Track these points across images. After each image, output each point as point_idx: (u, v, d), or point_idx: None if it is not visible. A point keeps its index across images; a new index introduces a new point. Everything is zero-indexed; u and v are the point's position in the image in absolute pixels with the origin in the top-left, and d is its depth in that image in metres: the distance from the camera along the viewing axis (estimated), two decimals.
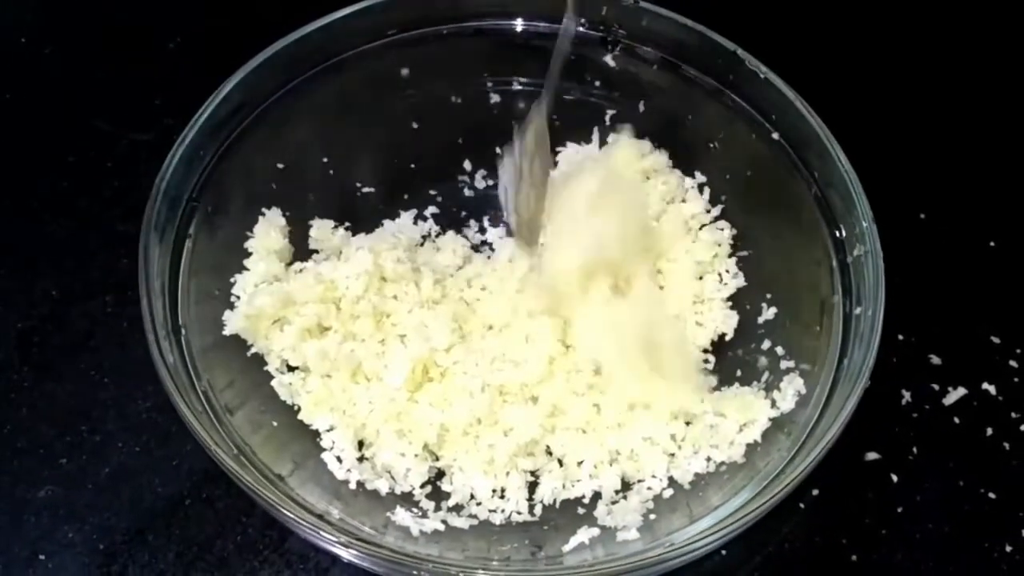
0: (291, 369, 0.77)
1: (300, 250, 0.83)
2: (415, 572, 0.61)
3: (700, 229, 0.85)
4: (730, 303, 0.82)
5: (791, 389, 0.74)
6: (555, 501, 0.73)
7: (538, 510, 0.73)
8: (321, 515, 0.64)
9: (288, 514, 0.61)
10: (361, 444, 0.75)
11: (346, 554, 0.62)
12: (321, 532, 0.61)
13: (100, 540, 0.73)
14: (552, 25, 0.86)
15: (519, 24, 0.87)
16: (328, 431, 0.74)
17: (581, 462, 0.74)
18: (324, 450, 0.73)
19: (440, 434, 0.74)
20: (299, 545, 0.73)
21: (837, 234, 0.76)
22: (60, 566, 0.72)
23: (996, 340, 0.85)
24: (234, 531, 0.74)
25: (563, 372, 0.77)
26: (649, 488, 0.73)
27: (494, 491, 0.73)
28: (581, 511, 0.72)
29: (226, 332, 0.75)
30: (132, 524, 0.74)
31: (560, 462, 0.75)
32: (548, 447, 0.75)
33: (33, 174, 0.92)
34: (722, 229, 0.85)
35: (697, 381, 0.77)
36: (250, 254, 0.80)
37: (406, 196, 0.88)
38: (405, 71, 0.87)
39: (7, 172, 0.92)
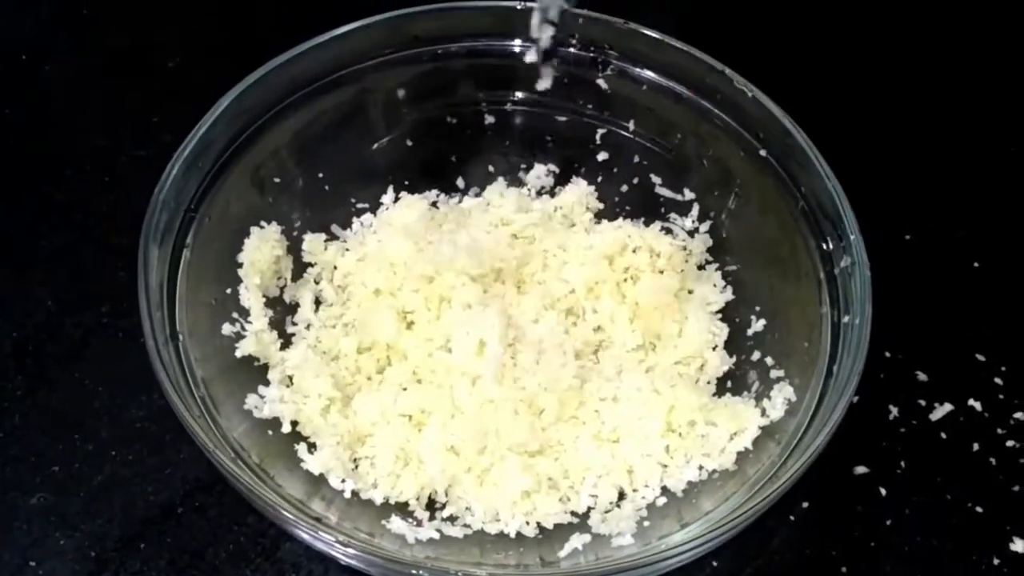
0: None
1: (296, 263, 0.84)
2: (413, 571, 0.61)
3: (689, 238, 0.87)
4: (720, 316, 0.84)
5: (781, 398, 0.75)
6: (549, 521, 0.73)
7: (533, 523, 0.73)
8: (319, 518, 0.64)
9: (286, 514, 0.61)
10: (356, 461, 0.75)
11: (344, 556, 0.62)
12: (320, 532, 0.61)
13: (92, 547, 0.73)
14: None
15: (513, 45, 0.88)
16: (325, 442, 0.74)
17: (579, 480, 0.75)
18: (320, 459, 0.72)
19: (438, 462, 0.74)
20: (291, 554, 0.73)
21: (824, 247, 0.77)
22: (51, 573, 0.71)
23: (981, 358, 0.87)
24: (226, 539, 0.73)
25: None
26: (643, 497, 0.73)
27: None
28: (575, 520, 0.73)
29: (238, 354, 0.76)
30: (124, 532, 0.73)
31: (555, 482, 0.75)
32: (549, 477, 0.75)
33: (30, 187, 0.93)
34: (711, 244, 0.87)
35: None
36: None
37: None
38: (401, 90, 0.89)
39: (5, 185, 0.93)
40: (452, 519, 0.72)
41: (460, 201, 0.91)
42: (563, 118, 0.90)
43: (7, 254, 0.88)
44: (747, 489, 0.68)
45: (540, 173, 0.92)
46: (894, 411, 0.83)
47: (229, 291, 0.79)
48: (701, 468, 0.74)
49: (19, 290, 0.86)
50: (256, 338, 0.77)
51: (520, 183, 0.92)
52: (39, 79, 1.02)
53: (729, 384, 0.80)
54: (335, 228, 0.87)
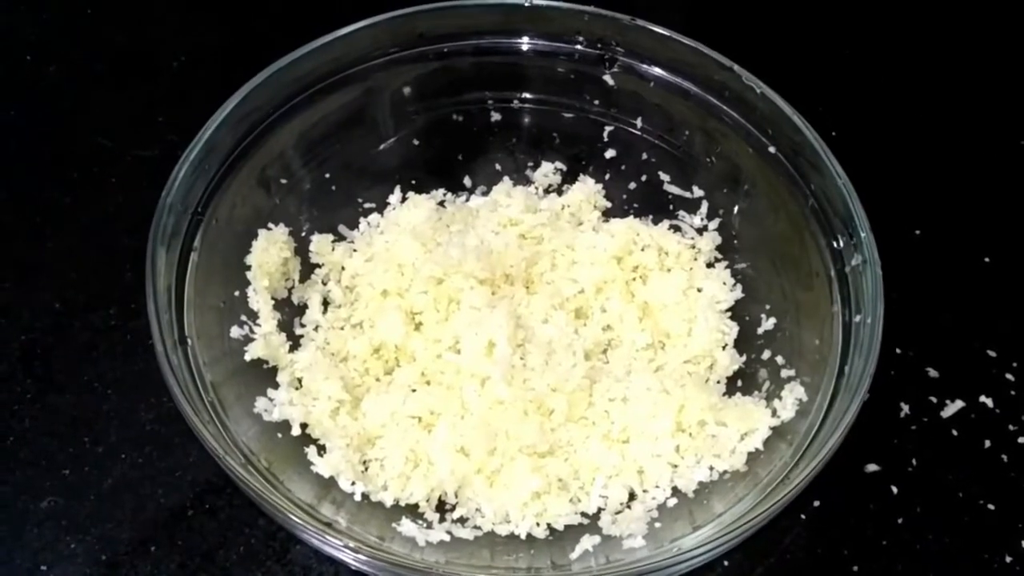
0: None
1: (304, 264, 0.84)
2: None
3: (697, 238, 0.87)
4: (729, 314, 0.83)
5: (792, 398, 0.74)
6: (560, 522, 0.73)
7: (544, 524, 0.72)
8: (330, 523, 0.64)
9: (296, 519, 0.61)
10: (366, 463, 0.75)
11: (353, 560, 0.62)
12: (327, 537, 0.61)
13: (103, 551, 0.73)
14: (551, 44, 0.88)
15: (519, 43, 0.88)
16: (334, 444, 0.74)
17: (589, 480, 0.74)
18: (330, 462, 0.72)
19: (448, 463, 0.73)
20: (302, 556, 0.73)
21: (835, 245, 0.76)
22: None
23: (992, 354, 0.86)
24: (237, 542, 0.74)
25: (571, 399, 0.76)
26: (653, 498, 0.73)
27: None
28: (586, 521, 0.72)
29: (247, 357, 0.76)
30: (135, 535, 0.73)
31: (566, 483, 0.75)
32: (559, 478, 0.75)
33: (37, 189, 0.93)
34: (720, 242, 0.86)
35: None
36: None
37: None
38: (407, 89, 0.88)
39: (11, 187, 0.93)
40: (462, 521, 0.72)
41: (467, 200, 0.91)
42: (570, 115, 0.90)
43: (14, 257, 0.88)
44: (759, 491, 0.67)
45: (547, 171, 0.92)
46: (905, 408, 0.83)
47: (237, 294, 0.79)
48: (711, 469, 0.74)
49: (26, 293, 0.86)
50: (265, 341, 0.77)
51: (527, 181, 0.92)
52: (43, 80, 1.02)
53: (739, 383, 0.80)
54: (342, 228, 0.87)
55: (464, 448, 0.73)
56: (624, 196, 0.90)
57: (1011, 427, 0.82)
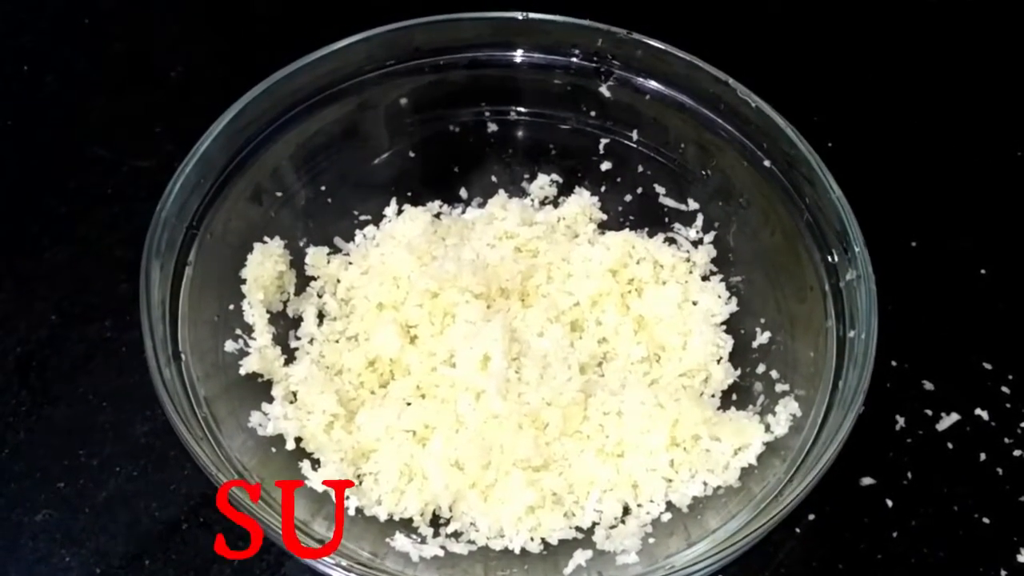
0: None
1: (300, 277, 0.84)
2: None
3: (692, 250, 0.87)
4: (724, 327, 0.83)
5: (786, 413, 0.74)
6: (554, 537, 0.73)
7: (538, 539, 0.72)
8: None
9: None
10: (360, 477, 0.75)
11: None
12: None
13: (97, 564, 0.73)
14: (547, 56, 0.88)
15: (515, 55, 0.88)
16: (329, 459, 0.74)
17: (584, 494, 0.74)
18: (324, 476, 0.72)
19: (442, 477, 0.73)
20: (296, 571, 0.73)
21: (829, 259, 0.76)
22: None
23: (988, 366, 0.86)
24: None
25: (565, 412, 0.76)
26: (648, 513, 0.73)
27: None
28: (580, 536, 0.72)
29: (242, 372, 0.76)
30: (129, 548, 0.74)
31: (560, 497, 0.74)
32: (553, 492, 0.75)
33: (33, 199, 0.93)
34: (715, 255, 0.86)
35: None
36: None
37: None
38: (403, 100, 0.89)
39: (8, 197, 0.93)
40: (456, 535, 0.72)
41: (463, 213, 0.91)
42: (566, 128, 0.90)
43: (10, 267, 0.88)
44: (753, 507, 0.67)
45: (543, 183, 0.92)
46: (901, 421, 0.83)
47: (232, 307, 0.79)
48: (705, 484, 0.74)
49: (22, 304, 0.86)
50: (260, 354, 0.77)
51: (523, 193, 0.92)
52: (41, 90, 1.02)
53: (734, 397, 0.80)
54: (338, 241, 0.87)
55: (459, 462, 0.73)
56: (620, 209, 0.90)
57: (1007, 440, 0.82)
